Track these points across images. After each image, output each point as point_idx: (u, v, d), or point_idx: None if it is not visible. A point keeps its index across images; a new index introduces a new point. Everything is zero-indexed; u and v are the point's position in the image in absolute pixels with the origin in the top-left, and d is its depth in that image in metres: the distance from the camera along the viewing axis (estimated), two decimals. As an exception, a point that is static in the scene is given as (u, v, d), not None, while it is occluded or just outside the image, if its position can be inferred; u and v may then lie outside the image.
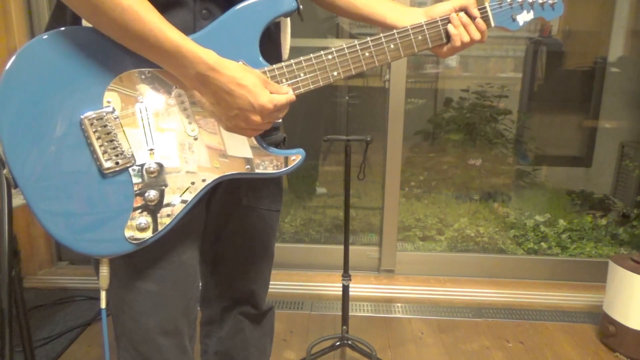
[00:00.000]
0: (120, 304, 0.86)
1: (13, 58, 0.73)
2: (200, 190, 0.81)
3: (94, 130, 0.75)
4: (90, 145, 0.76)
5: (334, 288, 2.11)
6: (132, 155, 0.78)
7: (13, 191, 1.19)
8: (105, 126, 0.76)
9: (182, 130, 0.80)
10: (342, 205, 1.62)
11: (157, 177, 0.79)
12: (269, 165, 0.84)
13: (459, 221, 2.61)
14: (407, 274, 2.30)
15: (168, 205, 0.80)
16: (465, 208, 2.74)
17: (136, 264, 0.83)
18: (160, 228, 0.80)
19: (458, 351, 1.80)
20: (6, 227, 1.13)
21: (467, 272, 2.29)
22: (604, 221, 2.60)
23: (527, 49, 2.96)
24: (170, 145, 0.79)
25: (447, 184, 2.85)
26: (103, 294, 0.83)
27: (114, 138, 0.76)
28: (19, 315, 1.25)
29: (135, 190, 0.78)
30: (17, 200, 1.44)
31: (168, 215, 0.80)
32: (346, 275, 1.66)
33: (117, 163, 0.77)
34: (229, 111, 0.75)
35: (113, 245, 0.79)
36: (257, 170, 0.84)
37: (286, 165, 0.85)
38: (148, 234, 0.79)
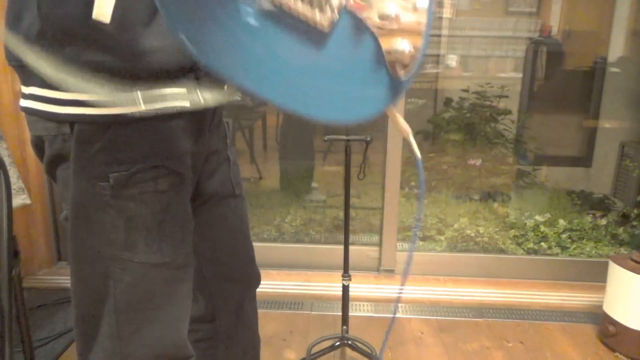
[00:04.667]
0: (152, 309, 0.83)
1: None
2: None
3: None
4: None
5: (334, 288, 2.11)
6: None
7: (13, 191, 1.19)
8: None
9: None
10: (342, 205, 1.62)
11: None
12: None
13: (459, 221, 2.61)
14: (407, 274, 2.30)
15: None
16: (465, 208, 2.74)
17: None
18: None
19: (458, 351, 1.80)
20: (6, 227, 1.13)
21: (467, 272, 2.29)
22: (604, 221, 2.60)
23: (527, 49, 2.96)
24: None
25: (447, 184, 2.85)
26: None
27: None
28: (19, 315, 1.25)
29: None
30: (17, 201, 1.44)
31: None
32: (346, 275, 1.66)
33: None
34: None
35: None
36: None
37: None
38: None
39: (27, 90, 0.75)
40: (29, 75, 0.75)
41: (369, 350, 1.67)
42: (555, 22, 2.97)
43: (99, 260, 0.78)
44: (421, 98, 3.00)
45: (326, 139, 1.58)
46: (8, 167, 1.19)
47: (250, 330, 1.09)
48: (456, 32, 3.00)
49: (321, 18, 0.60)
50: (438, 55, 3.04)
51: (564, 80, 3.00)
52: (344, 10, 0.61)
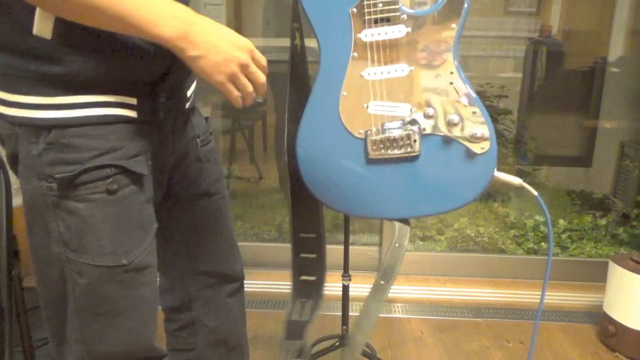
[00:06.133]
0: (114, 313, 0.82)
1: None
2: None
3: None
4: None
5: (334, 288, 2.11)
6: None
7: (13, 191, 1.19)
8: None
9: None
10: (342, 205, 1.62)
11: None
12: None
13: (459, 221, 2.61)
14: (407, 274, 2.29)
15: None
16: (465, 208, 2.74)
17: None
18: None
19: (458, 351, 1.80)
20: (5, 227, 1.13)
21: (467, 272, 2.29)
22: (604, 221, 2.60)
23: (527, 49, 2.96)
24: None
25: (447, 184, 2.85)
26: None
27: None
28: (19, 315, 1.25)
29: None
30: (17, 200, 1.44)
31: None
32: (346, 275, 1.66)
33: None
34: (218, 56, 0.73)
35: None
36: None
37: None
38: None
39: None
40: None
41: (369, 350, 1.67)
42: (555, 22, 2.97)
43: (55, 262, 0.77)
44: (421, 98, 2.99)
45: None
46: (8, 167, 1.19)
47: (231, 322, 1.09)
48: (456, 32, 2.99)
49: (411, 151, 0.95)
50: (438, 55, 3.03)
51: (564, 80, 3.00)
52: (424, 136, 0.95)
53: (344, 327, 1.69)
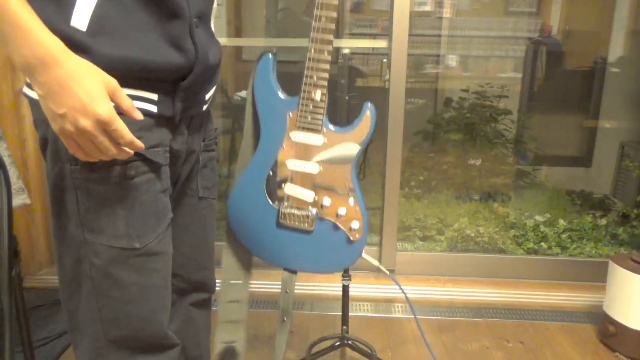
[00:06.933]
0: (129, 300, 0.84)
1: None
2: None
3: None
4: None
5: (334, 288, 2.11)
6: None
7: (13, 191, 1.19)
8: None
9: None
10: (342, 205, 1.62)
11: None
12: None
13: (459, 221, 2.61)
14: (407, 274, 2.30)
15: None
16: (465, 208, 2.74)
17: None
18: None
19: (458, 351, 1.80)
20: (6, 227, 1.13)
21: (467, 272, 2.29)
22: (604, 221, 2.60)
23: (527, 49, 2.96)
24: None
25: (447, 184, 2.85)
26: None
27: None
28: (19, 315, 1.25)
29: None
30: (17, 201, 1.44)
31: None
32: (346, 275, 1.66)
33: None
34: (57, 108, 0.66)
35: None
36: None
37: None
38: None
39: None
40: None
41: (369, 350, 1.67)
42: (555, 22, 2.97)
43: (73, 243, 0.81)
44: (421, 98, 3.00)
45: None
46: (8, 167, 1.19)
47: (191, 330, 1.09)
48: (456, 32, 3.00)
49: (307, 227, 1.26)
50: (438, 55, 3.04)
51: (564, 80, 3.00)
52: (318, 218, 1.26)
53: (344, 327, 1.69)
